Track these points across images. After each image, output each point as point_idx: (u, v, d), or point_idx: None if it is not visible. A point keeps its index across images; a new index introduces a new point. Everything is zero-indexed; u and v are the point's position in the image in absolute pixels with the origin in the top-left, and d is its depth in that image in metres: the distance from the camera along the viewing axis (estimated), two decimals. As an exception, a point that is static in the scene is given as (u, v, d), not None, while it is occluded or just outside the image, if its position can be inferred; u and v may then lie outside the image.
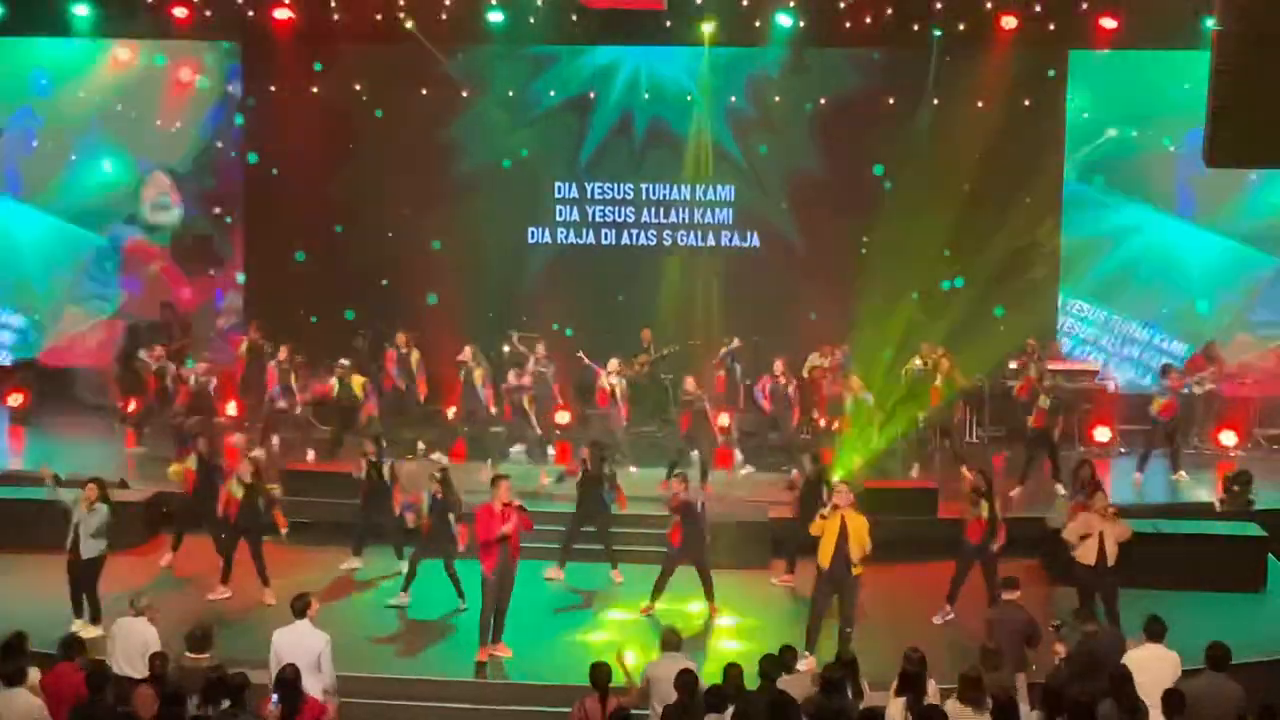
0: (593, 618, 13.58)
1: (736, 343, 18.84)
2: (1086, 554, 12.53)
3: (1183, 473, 17.25)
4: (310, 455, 17.71)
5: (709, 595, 13.53)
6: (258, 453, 17.93)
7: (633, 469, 17.07)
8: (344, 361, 17.94)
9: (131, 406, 18.66)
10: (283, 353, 18.05)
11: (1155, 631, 10.33)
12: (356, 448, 15.43)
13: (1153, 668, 9.94)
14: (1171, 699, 9.06)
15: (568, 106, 20.80)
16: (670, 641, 10.16)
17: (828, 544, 12.18)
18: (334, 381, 17.71)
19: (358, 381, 17.70)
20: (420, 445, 17.35)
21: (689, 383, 16.97)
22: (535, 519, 12.79)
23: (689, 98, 20.52)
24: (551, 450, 18.21)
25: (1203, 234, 20.11)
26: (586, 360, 18.20)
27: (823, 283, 20.07)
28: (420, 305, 20.19)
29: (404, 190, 20.47)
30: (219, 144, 21.18)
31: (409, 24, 19.65)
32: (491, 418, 17.87)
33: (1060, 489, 16.32)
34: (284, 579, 13.61)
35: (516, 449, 17.91)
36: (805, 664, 11.54)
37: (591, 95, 20.74)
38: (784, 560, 14.67)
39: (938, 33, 19.45)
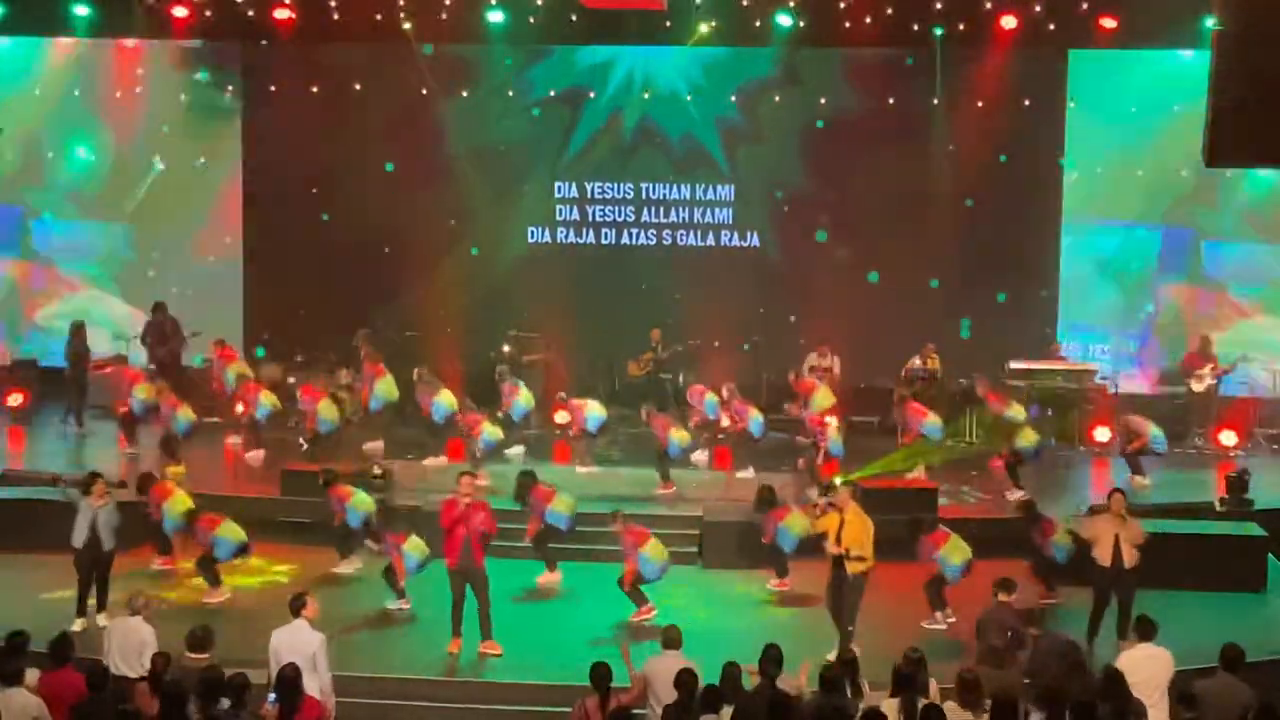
0: (592, 617, 13.56)
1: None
2: (1102, 555, 12.52)
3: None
4: (260, 455, 17.64)
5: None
6: (255, 453, 17.95)
7: (593, 468, 17.05)
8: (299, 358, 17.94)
9: (124, 409, 18.59)
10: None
11: (1145, 631, 10.33)
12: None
13: (1146, 667, 9.95)
14: (1183, 696, 9.10)
15: (567, 107, 20.80)
16: (670, 639, 10.16)
17: (830, 543, 12.33)
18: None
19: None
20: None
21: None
22: (513, 516, 12.76)
23: (688, 98, 20.54)
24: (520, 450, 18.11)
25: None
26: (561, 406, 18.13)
27: (821, 282, 20.09)
28: (416, 305, 20.20)
29: (402, 189, 20.51)
30: (182, 96, 21.17)
31: (406, 25, 19.68)
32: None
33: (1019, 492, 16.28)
34: (283, 579, 13.58)
35: (514, 450, 17.87)
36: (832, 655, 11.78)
37: (591, 95, 20.75)
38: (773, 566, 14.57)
39: (938, 31, 19.44)
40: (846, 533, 12.23)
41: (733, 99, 20.57)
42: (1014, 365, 18.99)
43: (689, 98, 20.55)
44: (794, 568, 14.27)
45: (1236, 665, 9.72)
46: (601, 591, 14.06)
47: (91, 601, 12.85)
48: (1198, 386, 18.81)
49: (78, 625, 12.29)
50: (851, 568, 12.23)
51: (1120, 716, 9.09)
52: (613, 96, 20.73)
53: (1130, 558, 12.46)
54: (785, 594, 14.21)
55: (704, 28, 19.70)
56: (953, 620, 13.15)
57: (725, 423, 17.59)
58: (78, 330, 19.90)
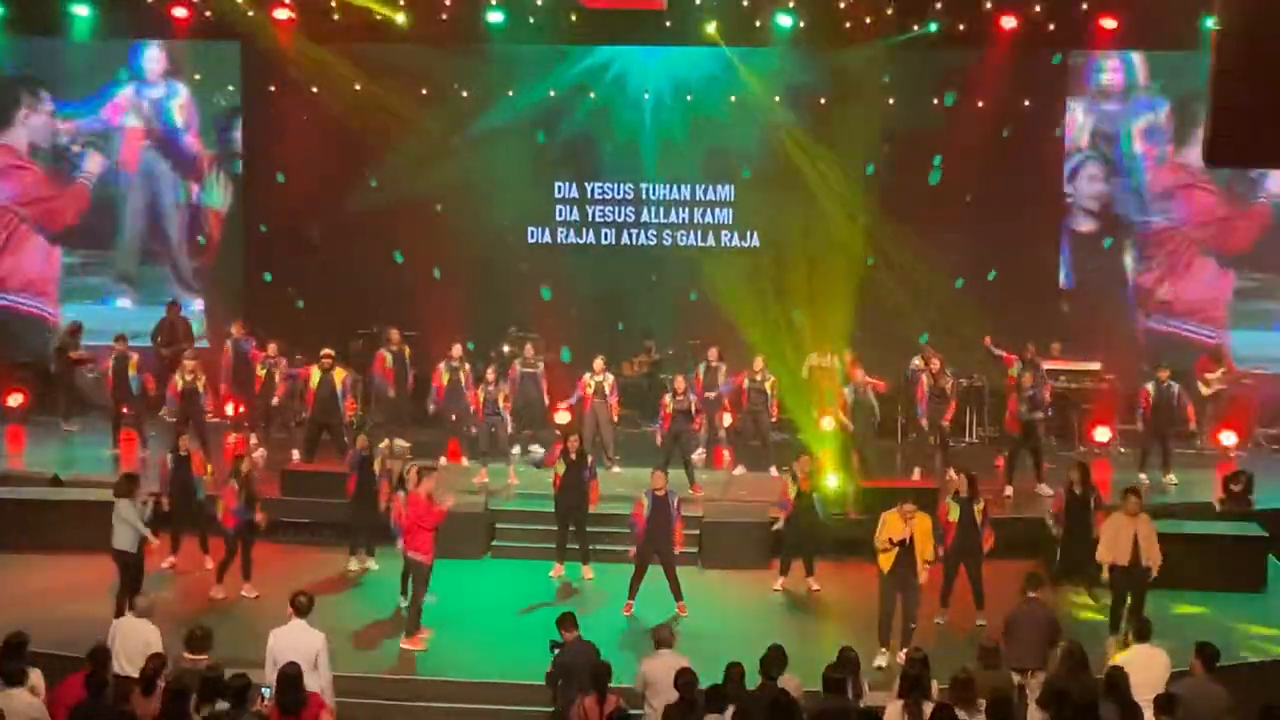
0: (593, 617, 13.54)
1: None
2: (1120, 555, 12.51)
3: (1171, 475, 17.11)
4: (295, 455, 17.56)
5: (675, 593, 13.49)
6: (259, 452, 17.93)
7: (617, 469, 17.04)
8: (327, 352, 17.79)
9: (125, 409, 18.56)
10: (271, 349, 17.95)
11: (1142, 632, 10.33)
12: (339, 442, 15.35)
13: (1143, 668, 9.92)
14: (1163, 700, 9.07)
15: (566, 106, 20.76)
16: (664, 639, 10.14)
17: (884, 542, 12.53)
18: (314, 371, 17.34)
19: (339, 375, 17.52)
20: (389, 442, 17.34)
21: (678, 382, 16.89)
22: (525, 517, 12.60)
23: (688, 98, 20.55)
24: (539, 449, 18.07)
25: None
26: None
27: (820, 283, 20.08)
28: (418, 305, 20.19)
29: (403, 189, 20.51)
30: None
31: (399, 19, 19.68)
32: (470, 418, 17.38)
33: (1044, 489, 16.27)
34: (283, 579, 13.57)
35: (518, 450, 17.87)
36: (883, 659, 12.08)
37: (591, 95, 20.73)
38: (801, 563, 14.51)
39: (933, 27, 19.45)
40: (919, 540, 12.34)
41: (733, 98, 20.49)
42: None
43: (688, 98, 20.53)
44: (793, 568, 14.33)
45: (1212, 664, 9.71)
46: (602, 592, 14.10)
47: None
48: (1206, 391, 18.78)
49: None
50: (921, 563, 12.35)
51: (1124, 717, 9.08)
52: (617, 99, 20.60)
53: (1146, 555, 12.43)
54: (785, 595, 14.24)
55: (707, 28, 19.69)
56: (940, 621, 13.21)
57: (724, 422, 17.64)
58: (73, 330, 19.91)
